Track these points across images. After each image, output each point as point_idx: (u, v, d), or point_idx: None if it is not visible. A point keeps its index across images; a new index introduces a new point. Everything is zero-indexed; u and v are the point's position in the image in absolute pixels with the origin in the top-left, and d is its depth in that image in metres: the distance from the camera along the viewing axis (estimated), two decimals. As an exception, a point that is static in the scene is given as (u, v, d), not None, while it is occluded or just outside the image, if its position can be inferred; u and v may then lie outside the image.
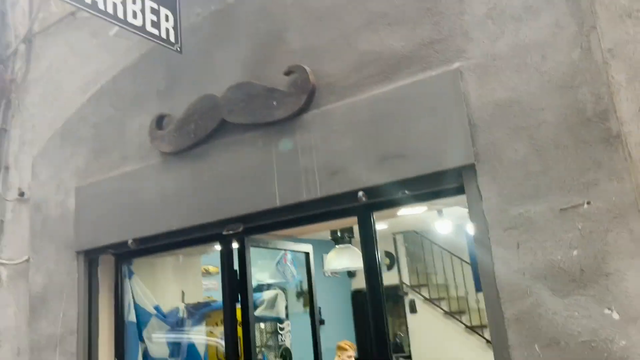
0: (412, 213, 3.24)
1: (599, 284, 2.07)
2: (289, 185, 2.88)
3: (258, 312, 4.09)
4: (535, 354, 2.16)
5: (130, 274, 3.97)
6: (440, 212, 5.49)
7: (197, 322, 4.17)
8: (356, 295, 9.70)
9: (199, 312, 4.18)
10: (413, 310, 9.08)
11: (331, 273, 8.63)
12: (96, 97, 3.96)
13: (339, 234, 6.63)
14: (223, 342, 3.98)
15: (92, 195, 3.74)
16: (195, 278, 4.63)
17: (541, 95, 2.27)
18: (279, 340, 4.10)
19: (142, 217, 3.44)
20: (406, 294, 9.16)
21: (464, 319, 8.66)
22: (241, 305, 3.39)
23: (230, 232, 3.10)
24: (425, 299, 8.97)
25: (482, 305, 7.65)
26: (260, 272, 6.18)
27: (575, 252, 2.13)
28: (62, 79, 4.23)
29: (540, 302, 2.17)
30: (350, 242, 6.73)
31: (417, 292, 9.07)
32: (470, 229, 6.31)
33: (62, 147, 4.10)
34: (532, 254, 2.21)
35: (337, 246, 6.69)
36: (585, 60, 2.21)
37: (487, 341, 8.37)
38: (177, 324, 4.17)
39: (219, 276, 5.98)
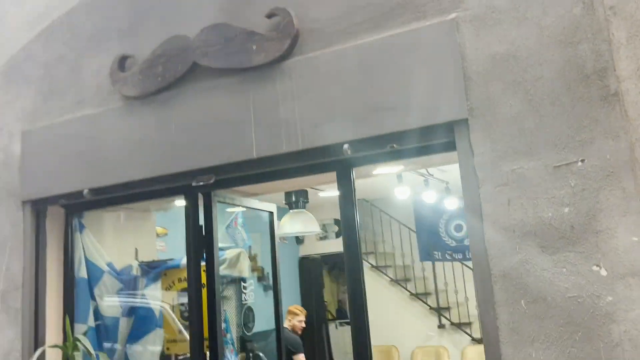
0: (388, 172, 3.17)
1: (589, 241, 2.08)
2: (268, 136, 2.73)
3: (220, 271, 3.94)
4: (521, 309, 2.16)
5: (82, 227, 3.71)
6: (399, 177, 5.49)
7: (152, 281, 3.97)
8: (303, 261, 9.70)
9: (154, 270, 3.98)
10: (359, 277, 9.17)
11: (280, 239, 8.56)
12: (46, 33, 3.60)
13: (293, 198, 6.53)
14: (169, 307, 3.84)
15: (42, 140, 3.43)
16: (149, 235, 4.40)
17: (540, 50, 2.23)
18: (242, 299, 3.99)
19: (100, 166, 3.18)
20: (353, 261, 9.24)
21: (409, 286, 8.85)
22: (206, 262, 3.24)
23: (201, 183, 2.91)
24: (372, 266, 9.08)
25: (427, 273, 7.83)
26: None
27: (566, 210, 2.12)
28: (5, 12, 3.82)
29: (528, 258, 2.16)
30: (304, 207, 6.66)
31: (364, 259, 9.14)
32: (425, 197, 6.36)
33: (5, 88, 3.72)
34: (523, 211, 2.19)
35: (291, 211, 6.59)
36: (587, 16, 2.17)
37: (430, 307, 8.63)
38: (130, 283, 3.96)
39: (167, 237, 5.76)
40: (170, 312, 3.88)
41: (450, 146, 2.44)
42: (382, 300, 8.94)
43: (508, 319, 2.17)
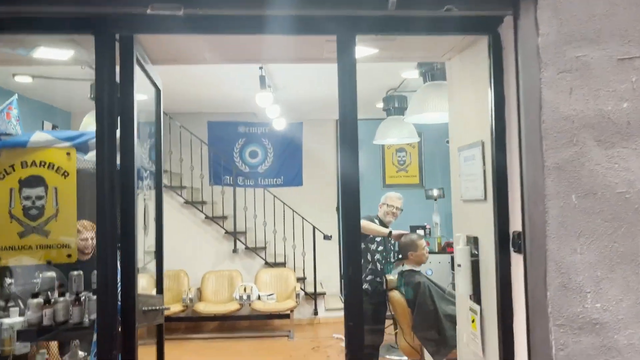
0: (364, 55, 2.65)
1: (642, 138, 2.07)
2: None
3: (93, 156, 2.88)
4: (571, 204, 2.05)
5: None
6: (262, 79, 4.89)
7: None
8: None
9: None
10: (148, 197, 8.23)
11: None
12: None
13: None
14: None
15: None
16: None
17: None
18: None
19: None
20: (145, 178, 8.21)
21: (206, 209, 8.34)
22: (120, 132, 2.30)
23: (161, 12, 1.97)
24: (165, 186, 8.23)
25: (226, 196, 7.54)
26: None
27: (625, 105, 2.07)
28: None
29: (584, 152, 2.06)
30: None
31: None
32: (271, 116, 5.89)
33: None
34: (584, 102, 2.06)
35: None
36: None
37: (226, 232, 8.29)
38: None
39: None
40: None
41: (493, 24, 2.15)
42: (174, 223, 8.23)
43: (558, 213, 2.05)
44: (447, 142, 11.08)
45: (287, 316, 7.68)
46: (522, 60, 2.10)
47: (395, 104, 6.67)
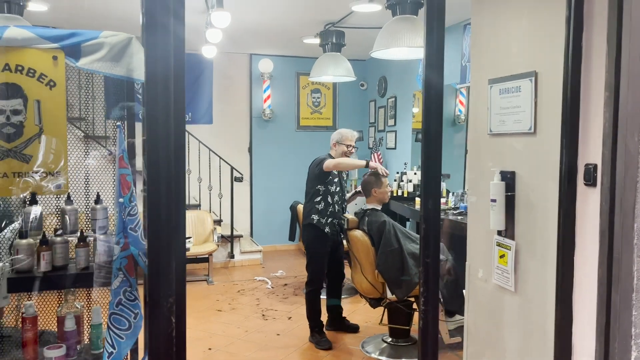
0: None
1: None
2: None
3: (87, 63, 2.25)
4: None
5: None
6: (209, 23, 4.30)
7: None
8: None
9: None
10: None
11: None
12: None
13: None
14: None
15: None
16: None
17: None
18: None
19: None
20: None
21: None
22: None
23: None
24: (61, 117, 7.19)
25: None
26: None
27: None
28: None
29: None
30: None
31: None
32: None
33: None
34: (681, 32, 2.03)
35: None
36: None
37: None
38: None
39: None
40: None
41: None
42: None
43: None
44: (362, 85, 11.05)
45: (205, 260, 7.30)
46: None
47: (334, 40, 6.41)
